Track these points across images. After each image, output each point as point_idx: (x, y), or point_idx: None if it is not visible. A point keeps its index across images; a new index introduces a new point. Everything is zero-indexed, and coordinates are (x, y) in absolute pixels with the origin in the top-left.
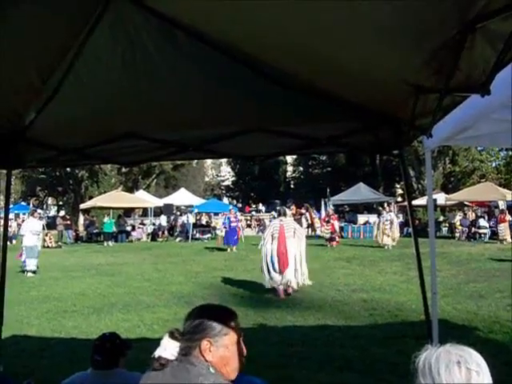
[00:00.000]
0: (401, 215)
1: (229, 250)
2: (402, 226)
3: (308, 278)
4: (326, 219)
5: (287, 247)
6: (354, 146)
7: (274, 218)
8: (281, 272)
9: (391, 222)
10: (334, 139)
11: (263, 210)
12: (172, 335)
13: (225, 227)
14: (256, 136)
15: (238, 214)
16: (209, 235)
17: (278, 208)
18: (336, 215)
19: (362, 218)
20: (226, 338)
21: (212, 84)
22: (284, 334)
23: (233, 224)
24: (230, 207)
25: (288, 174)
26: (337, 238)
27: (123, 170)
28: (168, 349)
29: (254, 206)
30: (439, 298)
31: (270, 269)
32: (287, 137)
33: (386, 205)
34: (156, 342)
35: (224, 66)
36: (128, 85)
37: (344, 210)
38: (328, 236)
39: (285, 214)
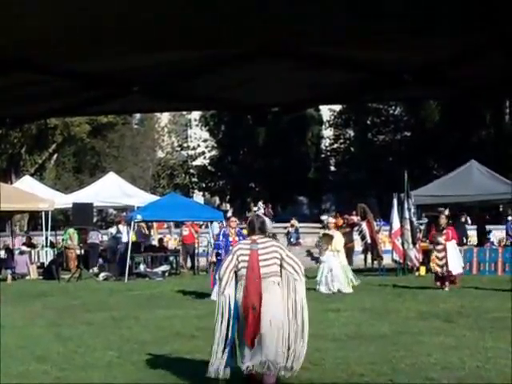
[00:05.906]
0: None
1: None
2: None
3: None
4: (433, 236)
5: (263, 297)
6: (468, 84)
7: (242, 237)
8: (249, 344)
9: None
10: (431, 71)
11: (272, 218)
12: None
13: (217, 251)
14: (265, 65)
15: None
16: (165, 267)
17: (250, 216)
18: (452, 227)
19: (474, 232)
20: None
21: None
22: None
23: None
24: (229, 214)
25: (325, 143)
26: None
27: None
28: None
29: (255, 210)
30: None
31: (231, 340)
32: (333, 66)
33: None
34: None
35: None
36: None
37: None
38: (440, 270)
39: (263, 230)
